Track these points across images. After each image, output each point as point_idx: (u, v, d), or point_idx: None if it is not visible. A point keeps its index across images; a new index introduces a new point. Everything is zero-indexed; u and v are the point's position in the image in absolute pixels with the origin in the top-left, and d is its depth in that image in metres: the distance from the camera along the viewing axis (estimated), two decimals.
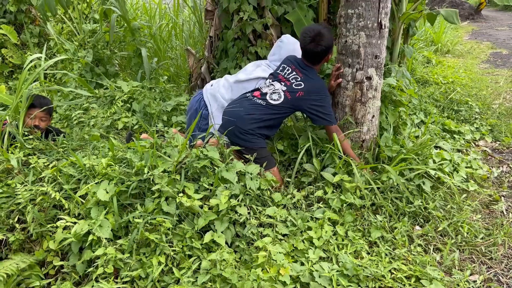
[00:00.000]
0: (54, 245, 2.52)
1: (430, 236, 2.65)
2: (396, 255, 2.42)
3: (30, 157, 3.01)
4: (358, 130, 3.12)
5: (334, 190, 2.84)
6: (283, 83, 3.02)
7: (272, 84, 3.05)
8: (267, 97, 3.00)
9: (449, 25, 10.49)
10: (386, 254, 2.42)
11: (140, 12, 9.01)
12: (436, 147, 3.89)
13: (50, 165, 2.90)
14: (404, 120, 3.43)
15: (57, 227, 2.52)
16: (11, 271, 2.43)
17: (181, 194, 2.50)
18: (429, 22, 5.29)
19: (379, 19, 2.88)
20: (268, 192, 2.66)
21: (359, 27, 2.91)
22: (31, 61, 3.30)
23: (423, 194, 2.92)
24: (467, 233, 2.70)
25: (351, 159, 2.88)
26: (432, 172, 2.99)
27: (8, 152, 2.99)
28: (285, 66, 3.12)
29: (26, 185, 2.78)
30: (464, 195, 3.08)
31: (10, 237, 2.64)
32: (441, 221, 2.77)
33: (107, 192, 2.52)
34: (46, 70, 5.57)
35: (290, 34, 4.78)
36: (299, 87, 2.96)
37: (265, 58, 4.66)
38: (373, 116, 3.12)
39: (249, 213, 2.55)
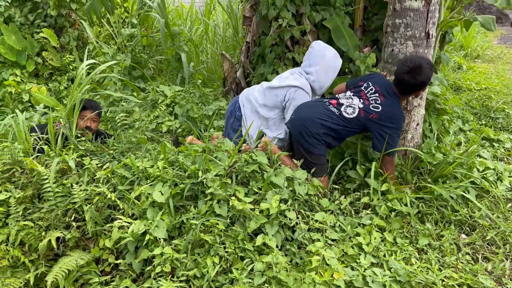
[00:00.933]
0: (109, 244, 2.63)
1: (478, 245, 2.67)
2: (446, 263, 2.46)
3: (83, 158, 3.14)
4: (402, 138, 3.15)
5: (380, 197, 2.88)
6: (361, 100, 3.00)
7: (351, 98, 3.05)
8: (342, 109, 2.99)
9: (478, 29, 10.36)
10: (435, 262, 2.45)
11: (171, 16, 9.19)
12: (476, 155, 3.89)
13: (104, 167, 3.03)
14: (446, 128, 3.44)
15: (112, 226, 2.64)
16: (72, 267, 2.55)
17: (233, 198, 2.58)
18: (465, 28, 5.28)
19: (427, 29, 2.92)
20: (316, 198, 2.72)
21: (407, 36, 2.95)
22: (88, 64, 3.43)
23: (468, 203, 2.93)
24: None
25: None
26: (477, 181, 3.01)
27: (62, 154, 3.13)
28: (370, 84, 3.05)
29: (81, 185, 2.91)
30: (510, 205, 3.08)
31: (67, 235, 2.76)
32: (487, 230, 2.78)
33: (162, 194, 2.62)
34: (87, 73, 5.77)
35: (327, 40, 4.85)
36: (376, 110, 2.94)
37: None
38: (418, 124, 3.15)
39: (297, 217, 2.61)
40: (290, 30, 4.55)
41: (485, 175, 3.14)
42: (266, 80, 4.77)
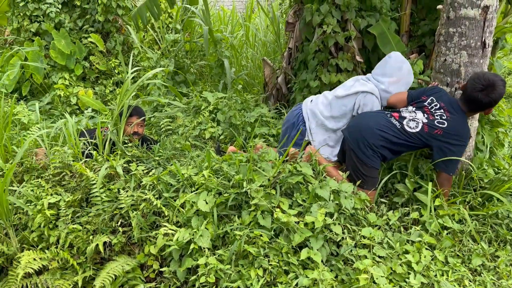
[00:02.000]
0: (154, 250, 2.67)
1: None
2: (502, 286, 2.33)
3: (129, 164, 3.20)
4: None
5: (431, 213, 2.77)
6: (426, 115, 2.89)
7: (414, 112, 2.95)
8: (404, 122, 2.90)
9: None
10: (490, 284, 2.33)
11: (212, 20, 9.28)
12: None
13: (150, 173, 3.07)
14: (501, 141, 3.28)
15: (158, 233, 2.67)
16: (118, 272, 2.60)
17: (277, 209, 2.56)
18: None
19: (483, 38, 2.79)
20: (363, 212, 2.65)
21: (461, 46, 2.83)
22: (134, 71, 3.50)
23: None
24: None
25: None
26: None
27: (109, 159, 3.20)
28: (434, 99, 2.94)
29: (128, 191, 2.97)
30: None
31: (113, 240, 2.82)
32: None
33: (207, 203, 2.63)
34: (132, 78, 5.92)
35: (373, 46, 4.74)
36: (441, 125, 2.82)
37: (346, 70, 4.64)
38: (470, 137, 3.01)
39: (343, 232, 2.55)
40: (335, 36, 4.47)
41: None
42: (308, 86, 4.71)
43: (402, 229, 2.69)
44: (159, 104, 5.03)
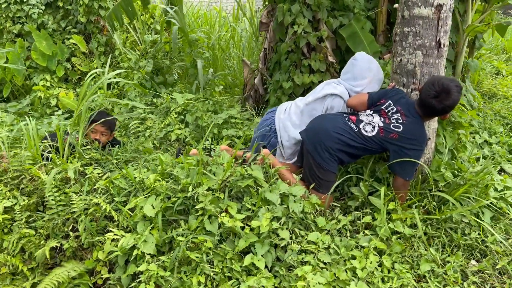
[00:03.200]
0: (102, 256, 2.63)
1: (487, 274, 2.45)
2: None
3: (86, 167, 3.16)
4: None
5: (384, 218, 2.71)
6: (382, 119, 2.84)
7: (371, 115, 2.90)
8: (361, 126, 2.85)
9: None
10: None
11: (201, 20, 9.24)
12: (500, 170, 3.62)
13: (104, 176, 3.03)
14: (463, 143, 3.21)
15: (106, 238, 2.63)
16: (63, 279, 2.56)
17: (223, 214, 2.51)
18: (499, 34, 4.95)
19: (438, 38, 2.72)
20: (312, 216, 2.59)
21: (416, 45, 2.76)
22: (91, 74, 3.46)
23: (481, 225, 2.71)
24: None
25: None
26: (494, 201, 2.77)
27: (68, 162, 3.16)
28: (391, 103, 2.87)
29: (81, 195, 2.93)
30: None
31: (65, 244, 2.78)
32: (500, 256, 2.55)
33: (153, 208, 2.59)
34: (110, 78, 5.87)
35: (346, 46, 4.67)
36: (397, 129, 2.76)
37: (319, 71, 4.58)
38: (429, 138, 2.95)
39: (291, 237, 2.50)
40: (306, 36, 4.42)
41: (503, 195, 2.90)
42: (282, 87, 4.66)
43: (351, 233, 2.63)
44: (135, 106, 4.99)
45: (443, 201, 2.83)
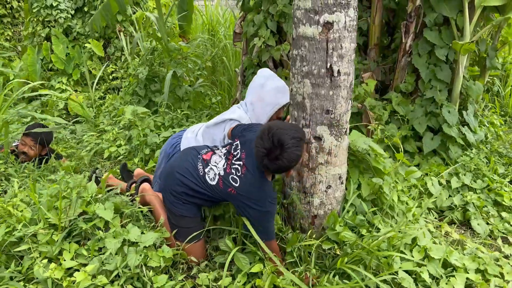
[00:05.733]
0: None
1: None
2: None
3: None
4: (306, 203, 2.40)
5: (250, 280, 2.22)
6: (224, 166, 2.31)
7: (221, 157, 2.37)
8: (206, 170, 2.33)
9: None
10: None
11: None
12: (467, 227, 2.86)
13: None
14: (383, 193, 2.53)
15: None
16: None
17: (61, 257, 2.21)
18: None
19: (329, 64, 2.14)
20: (151, 272, 2.18)
21: (303, 72, 2.21)
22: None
23: None
24: None
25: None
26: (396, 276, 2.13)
27: None
28: (239, 146, 2.36)
29: None
30: None
31: None
32: None
33: None
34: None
35: None
36: (234, 184, 2.25)
37: None
38: (329, 186, 2.37)
39: None
40: (270, 50, 3.93)
41: (421, 266, 2.22)
42: None
43: None
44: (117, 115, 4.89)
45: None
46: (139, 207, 2.40)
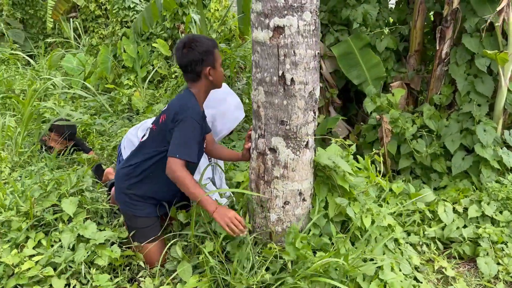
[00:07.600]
0: None
1: None
2: None
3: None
4: (263, 217, 2.26)
5: None
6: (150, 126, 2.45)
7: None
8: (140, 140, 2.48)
9: None
10: None
11: None
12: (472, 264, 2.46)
13: None
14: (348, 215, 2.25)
15: None
16: None
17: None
18: None
19: (281, 71, 1.98)
20: (94, 270, 2.21)
21: (257, 79, 2.08)
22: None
23: None
24: None
25: None
26: None
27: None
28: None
29: None
30: None
31: None
32: None
33: None
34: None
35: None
36: (163, 110, 2.34)
37: None
38: (287, 202, 2.19)
39: None
40: None
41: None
42: None
43: None
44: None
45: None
46: (103, 205, 2.46)
